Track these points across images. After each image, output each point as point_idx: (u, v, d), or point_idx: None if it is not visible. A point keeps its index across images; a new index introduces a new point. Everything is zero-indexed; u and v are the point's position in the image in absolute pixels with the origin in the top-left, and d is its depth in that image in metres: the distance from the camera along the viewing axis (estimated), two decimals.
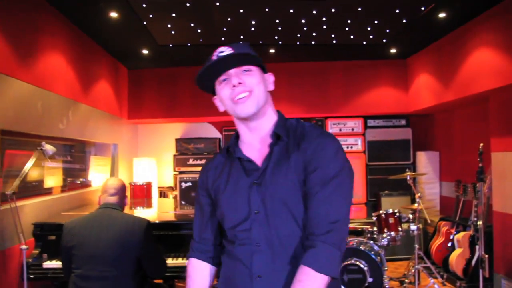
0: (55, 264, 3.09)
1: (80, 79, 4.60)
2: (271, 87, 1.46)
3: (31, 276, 3.04)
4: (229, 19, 4.49)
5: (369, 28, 4.86)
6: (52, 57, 3.95)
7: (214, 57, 1.34)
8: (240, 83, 1.34)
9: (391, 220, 4.55)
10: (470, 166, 5.39)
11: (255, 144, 1.41)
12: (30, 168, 3.08)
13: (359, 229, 5.27)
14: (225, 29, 4.78)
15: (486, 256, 4.36)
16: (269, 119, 1.43)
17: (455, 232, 5.12)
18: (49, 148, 3.23)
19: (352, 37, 5.15)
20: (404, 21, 4.62)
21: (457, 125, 6.05)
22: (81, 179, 5.27)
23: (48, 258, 3.15)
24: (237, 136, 1.47)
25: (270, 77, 1.46)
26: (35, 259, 3.11)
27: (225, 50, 1.34)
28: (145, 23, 4.50)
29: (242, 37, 5.09)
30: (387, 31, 4.97)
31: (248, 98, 1.34)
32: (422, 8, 4.27)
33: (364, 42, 5.36)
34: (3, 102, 3.02)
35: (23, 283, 2.94)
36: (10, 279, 3.13)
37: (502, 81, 4.14)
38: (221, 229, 1.48)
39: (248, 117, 1.37)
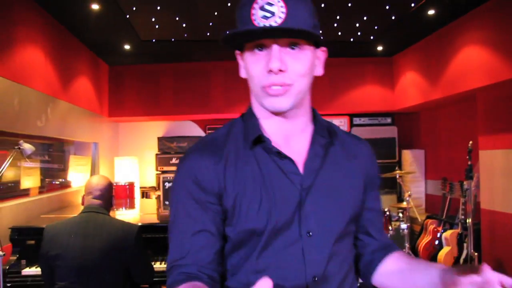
0: (35, 271, 2.90)
1: (59, 74, 4.40)
2: (321, 71, 1.09)
3: (8, 285, 2.85)
4: (215, 13, 4.36)
5: (357, 25, 4.80)
6: (29, 51, 3.75)
7: (255, 18, 0.94)
8: (280, 70, 0.96)
9: None
10: (456, 164, 5.39)
11: (282, 138, 1.05)
12: (6, 168, 2.88)
13: None
14: (211, 23, 4.64)
15: (476, 254, 4.36)
16: (304, 110, 1.07)
17: (442, 230, 5.11)
18: (27, 147, 3.03)
19: (339, 33, 5.08)
20: (393, 17, 4.57)
21: (442, 123, 6.05)
22: (60, 180, 5.08)
23: (27, 265, 2.96)
24: (246, 117, 1.09)
25: (323, 55, 1.09)
26: (13, 265, 2.91)
27: (275, 5, 0.93)
28: (128, 16, 4.33)
29: (228, 32, 4.95)
30: (375, 27, 4.92)
31: (285, 94, 0.98)
32: (412, 5, 4.22)
33: (352, 39, 5.31)
34: None
35: None
36: None
37: (490, 79, 4.13)
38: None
39: (278, 114, 1.03)
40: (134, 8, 4.14)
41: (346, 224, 1.03)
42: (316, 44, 1.04)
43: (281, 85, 0.96)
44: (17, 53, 3.50)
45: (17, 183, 3.87)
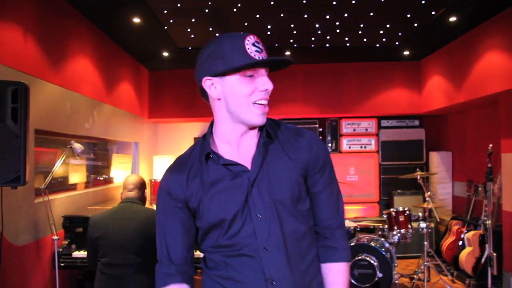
0: (83, 254, 3.34)
1: (104, 80, 4.86)
2: None
3: (62, 264, 3.30)
4: (245, 24, 4.69)
5: (381, 32, 5.00)
6: (80, 61, 4.21)
7: (252, 52, 1.23)
8: (267, 90, 1.28)
9: (401, 218, 4.69)
10: (482, 167, 5.47)
11: (236, 145, 1.33)
12: (61, 164, 3.33)
13: (371, 227, 5.41)
14: (242, 32, 4.96)
15: (495, 254, 4.47)
16: None
17: (465, 231, 5.22)
18: (77, 146, 3.47)
19: (365, 40, 5.30)
20: (415, 24, 4.75)
21: (469, 126, 6.14)
22: (104, 176, 5.53)
23: (77, 248, 3.41)
24: (204, 137, 1.39)
25: None
26: (65, 249, 3.37)
27: (259, 43, 1.26)
28: (166, 27, 4.73)
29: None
30: (399, 34, 5.10)
31: (267, 109, 1.29)
32: (433, 13, 4.39)
33: (377, 45, 5.50)
34: (37, 104, 3.26)
35: (55, 270, 3.20)
36: (44, 266, 3.39)
37: (511, 83, 4.25)
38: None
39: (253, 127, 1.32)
40: (171, 21, 4.53)
41: (289, 204, 1.30)
42: None
43: (267, 100, 1.27)
44: (69, 63, 3.95)
45: (65, 178, 4.34)
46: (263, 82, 1.25)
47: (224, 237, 1.29)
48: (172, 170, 1.37)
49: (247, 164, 1.30)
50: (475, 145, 5.87)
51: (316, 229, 1.39)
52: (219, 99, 1.29)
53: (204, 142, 1.35)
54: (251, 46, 1.22)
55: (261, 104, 1.26)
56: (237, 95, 1.25)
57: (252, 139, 1.33)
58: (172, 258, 1.35)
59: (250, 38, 1.24)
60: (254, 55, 1.22)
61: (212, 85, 1.29)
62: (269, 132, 1.33)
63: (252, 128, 1.32)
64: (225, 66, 1.23)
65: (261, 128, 1.34)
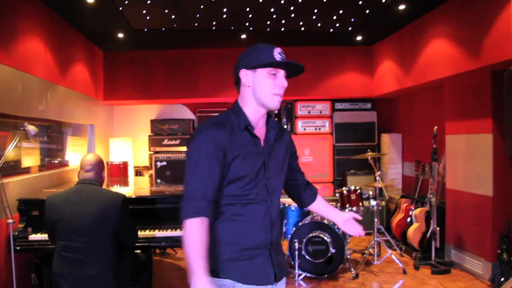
0: (40, 236, 3.31)
1: (58, 61, 4.74)
2: None
3: (18, 248, 3.25)
4: (201, 6, 4.69)
5: (334, 17, 5.15)
6: (31, 41, 4.09)
7: (278, 58, 1.71)
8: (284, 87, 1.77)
9: (353, 197, 4.92)
10: (429, 148, 5.78)
11: (256, 124, 1.78)
12: (13, 147, 3.26)
13: None
14: (198, 15, 4.98)
15: (438, 228, 4.82)
16: None
17: (413, 208, 5.54)
18: (31, 128, 3.41)
19: (319, 25, 5.43)
20: (367, 11, 4.92)
21: (418, 109, 6.45)
22: (59, 159, 5.44)
23: (33, 231, 3.36)
24: (236, 111, 1.78)
25: None
26: (20, 232, 3.32)
27: (283, 54, 1.74)
28: (120, 8, 4.66)
29: (214, 23, 5.30)
30: (352, 20, 5.27)
31: (281, 99, 1.77)
32: (383, 1, 4.57)
33: (331, 30, 5.65)
34: None
35: (10, 254, 3.16)
36: None
37: (454, 70, 4.52)
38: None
39: (265, 111, 1.79)
40: (126, 2, 4.46)
41: (285, 174, 1.94)
42: None
43: (282, 95, 1.76)
44: (19, 43, 3.84)
45: (18, 162, 4.24)
46: (281, 80, 1.73)
47: (242, 188, 1.70)
48: (215, 126, 1.70)
49: (261, 140, 1.79)
50: (423, 127, 6.20)
51: (295, 184, 2.09)
52: (249, 86, 1.74)
53: (240, 115, 1.75)
54: (277, 54, 1.71)
55: (278, 95, 1.73)
56: (263, 86, 1.72)
57: (264, 123, 1.83)
58: (208, 195, 1.63)
59: (277, 49, 1.72)
60: (277, 59, 1.71)
61: (246, 75, 1.74)
62: (274, 123, 1.85)
63: (267, 113, 1.80)
64: (257, 62, 1.70)
65: (267, 117, 1.85)
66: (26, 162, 4.43)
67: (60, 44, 4.82)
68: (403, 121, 6.94)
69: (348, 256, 4.75)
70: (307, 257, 4.45)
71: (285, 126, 6.97)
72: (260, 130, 1.79)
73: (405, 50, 5.62)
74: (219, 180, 1.67)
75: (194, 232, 1.58)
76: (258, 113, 1.77)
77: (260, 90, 1.72)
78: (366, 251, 5.00)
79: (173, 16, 4.99)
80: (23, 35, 3.92)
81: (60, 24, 4.85)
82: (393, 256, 4.84)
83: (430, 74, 5.01)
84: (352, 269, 4.62)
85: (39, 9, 4.29)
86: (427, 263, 4.87)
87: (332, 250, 4.43)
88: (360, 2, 4.63)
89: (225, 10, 4.82)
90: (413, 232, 5.27)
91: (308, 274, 4.52)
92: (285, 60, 1.72)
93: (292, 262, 4.50)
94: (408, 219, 5.58)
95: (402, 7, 4.76)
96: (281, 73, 1.73)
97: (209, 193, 1.63)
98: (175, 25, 5.33)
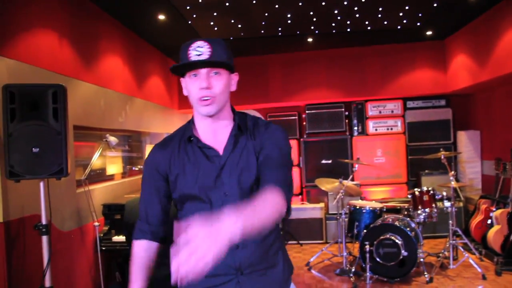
0: (122, 238, 3.63)
1: (135, 76, 5.13)
2: (234, 88, 1.63)
3: (103, 248, 3.60)
4: (266, 14, 4.83)
5: (401, 14, 5.03)
6: (111, 59, 4.48)
7: (191, 56, 1.47)
8: (207, 87, 1.48)
9: (425, 198, 4.77)
10: (510, 145, 5.45)
11: (211, 133, 1.58)
12: (97, 157, 3.61)
13: (397, 207, 5.51)
14: (263, 22, 5.12)
15: None
16: (226, 113, 1.61)
17: (494, 210, 5.24)
18: (112, 139, 3.76)
19: (385, 22, 5.34)
20: (435, 5, 4.76)
21: (497, 104, 6.08)
22: (139, 166, 5.85)
23: (116, 234, 3.70)
24: (190, 122, 1.63)
25: (235, 78, 1.63)
26: (105, 234, 3.67)
27: (203, 48, 1.47)
28: (190, 22, 4.93)
29: (280, 28, 5.41)
30: (420, 15, 5.12)
31: (211, 103, 1.50)
32: None
33: (399, 27, 5.52)
34: (74, 102, 3.54)
35: (97, 254, 3.51)
36: (87, 250, 3.71)
37: None
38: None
39: (209, 116, 1.55)
40: (194, 16, 4.73)
41: (251, 185, 1.53)
42: (231, 71, 1.58)
43: (208, 96, 1.49)
44: (101, 62, 4.23)
45: (103, 170, 4.65)
46: (199, 82, 1.49)
47: (196, 207, 1.54)
48: (159, 146, 1.63)
49: (219, 149, 1.56)
50: (503, 123, 5.83)
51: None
52: (187, 95, 1.57)
53: (188, 126, 1.61)
54: (192, 51, 1.47)
55: (203, 100, 1.50)
56: (190, 92, 1.53)
57: (226, 129, 1.59)
58: (148, 218, 1.61)
59: (195, 43, 1.47)
60: (190, 58, 1.47)
61: (183, 83, 1.58)
62: (241, 126, 1.59)
63: (241, 113, 1.62)
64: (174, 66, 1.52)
65: (235, 121, 1.61)
66: (111, 170, 4.84)
67: (137, 59, 5.21)
68: (480, 117, 6.57)
69: (422, 259, 4.62)
70: (378, 259, 4.40)
71: (355, 128, 6.89)
72: (218, 137, 1.58)
73: (480, 42, 5.34)
74: (161, 204, 1.61)
75: (132, 254, 1.60)
76: (205, 121, 1.57)
77: (189, 97, 1.54)
78: (441, 254, 4.82)
79: (239, 25, 5.18)
80: (105, 54, 4.31)
81: (135, 41, 5.24)
82: (471, 260, 4.61)
83: (508, 66, 4.72)
84: (425, 273, 4.48)
85: (117, 29, 4.69)
86: (510, 269, 4.59)
87: (404, 253, 4.33)
88: None
89: (289, 15, 4.92)
90: (494, 235, 4.99)
91: (379, 277, 4.47)
92: (196, 60, 1.46)
93: (363, 265, 4.47)
94: (489, 221, 5.28)
95: None
96: (202, 71, 1.48)
97: (150, 217, 1.61)
98: (242, 34, 5.52)
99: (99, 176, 4.52)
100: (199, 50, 1.46)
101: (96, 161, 3.95)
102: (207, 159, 1.54)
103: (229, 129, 1.59)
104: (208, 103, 1.49)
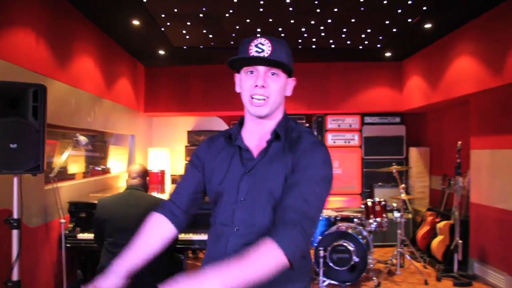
0: (87, 236, 3.71)
1: (105, 77, 5.20)
2: (290, 93, 1.55)
3: (68, 245, 3.66)
4: (237, 27, 5.05)
5: (363, 36, 5.38)
6: (84, 60, 4.55)
7: (251, 51, 1.42)
8: (263, 86, 1.43)
9: (377, 208, 5.11)
10: (455, 162, 5.89)
11: (256, 135, 1.51)
12: (68, 155, 3.68)
13: (351, 217, 5.83)
14: (233, 34, 5.33)
15: (460, 241, 4.93)
16: (276, 118, 1.53)
17: (438, 221, 5.64)
18: (82, 138, 3.83)
19: (348, 42, 5.68)
20: (394, 30, 5.14)
21: (445, 124, 6.56)
22: (102, 166, 5.88)
23: (81, 231, 3.77)
24: (240, 123, 1.58)
25: (292, 83, 1.56)
26: (70, 231, 3.73)
27: (265, 45, 1.42)
28: (162, 29, 5.07)
29: (232, 58, 5.61)
30: (380, 38, 5.49)
31: (264, 104, 1.44)
32: (409, 20, 4.78)
33: (360, 47, 5.88)
34: (47, 100, 3.59)
35: (61, 250, 3.57)
36: (52, 246, 3.76)
37: (480, 86, 4.65)
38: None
39: (258, 117, 1.49)
40: (168, 24, 4.87)
41: (269, 198, 1.42)
42: (289, 75, 1.53)
43: (262, 95, 1.44)
44: (74, 62, 4.29)
45: (64, 168, 4.66)
46: (255, 79, 1.45)
47: (214, 207, 1.55)
48: (209, 138, 1.66)
49: (254, 152, 1.51)
50: (450, 141, 6.27)
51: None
52: (240, 92, 1.53)
53: (235, 127, 1.59)
54: (253, 47, 1.44)
55: (255, 97, 1.45)
56: (243, 89, 1.50)
57: (268, 133, 1.51)
58: (176, 197, 1.64)
59: (256, 40, 1.44)
60: (251, 53, 1.44)
61: (237, 79, 1.57)
62: (277, 132, 1.50)
63: (285, 119, 1.55)
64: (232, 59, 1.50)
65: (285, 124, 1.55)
66: (72, 168, 4.86)
67: (108, 61, 5.28)
68: (431, 135, 7.05)
69: (371, 266, 4.93)
70: (331, 264, 4.66)
71: None
72: (261, 140, 1.50)
73: (433, 66, 5.78)
74: (193, 188, 1.61)
75: (143, 225, 1.66)
76: (252, 122, 1.53)
77: (242, 94, 1.49)
78: (389, 261, 5.16)
79: (210, 36, 5.37)
80: (78, 54, 4.38)
81: (107, 43, 5.32)
82: (416, 267, 4.98)
83: (456, 90, 5.15)
84: (374, 278, 4.80)
85: (91, 30, 4.76)
86: (449, 275, 4.98)
87: (355, 259, 4.62)
88: (387, 22, 4.85)
89: (259, 29, 5.15)
90: (437, 245, 5.39)
91: (332, 281, 4.73)
92: (255, 56, 1.41)
93: (317, 269, 4.73)
94: (434, 232, 5.69)
95: (428, 26, 4.95)
96: (260, 69, 1.44)
97: (178, 197, 1.63)
98: (212, 43, 5.70)
99: (61, 174, 4.53)
100: (261, 47, 1.42)
101: (58, 159, 3.96)
102: (240, 160, 1.50)
103: (264, 131, 1.53)
104: (261, 104, 1.44)
